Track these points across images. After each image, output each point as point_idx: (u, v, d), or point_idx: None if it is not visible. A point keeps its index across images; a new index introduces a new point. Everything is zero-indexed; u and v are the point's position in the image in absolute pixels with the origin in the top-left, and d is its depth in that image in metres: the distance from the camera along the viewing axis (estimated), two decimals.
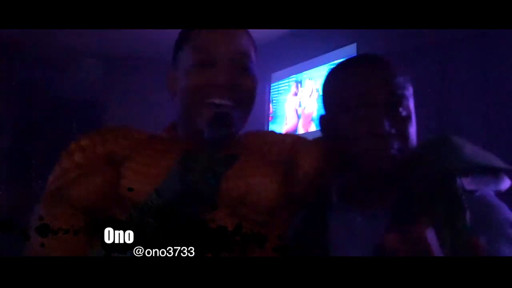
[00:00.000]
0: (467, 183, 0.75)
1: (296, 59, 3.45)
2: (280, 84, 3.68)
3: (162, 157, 0.84)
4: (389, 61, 0.88)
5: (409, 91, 0.86)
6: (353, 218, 0.88)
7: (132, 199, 0.78)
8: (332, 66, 0.95)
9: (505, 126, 1.98)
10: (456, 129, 2.04)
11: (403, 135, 0.83)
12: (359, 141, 0.84)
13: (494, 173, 0.78)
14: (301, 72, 3.45)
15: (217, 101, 0.84)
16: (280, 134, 1.03)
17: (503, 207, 0.80)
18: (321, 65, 3.21)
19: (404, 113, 0.84)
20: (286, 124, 3.55)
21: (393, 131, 0.82)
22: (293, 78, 3.54)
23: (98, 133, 0.88)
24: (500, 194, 0.81)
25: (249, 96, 0.89)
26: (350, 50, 2.87)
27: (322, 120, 0.94)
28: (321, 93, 0.95)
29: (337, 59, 2.87)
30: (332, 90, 0.91)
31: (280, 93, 3.67)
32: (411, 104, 0.86)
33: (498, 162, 0.78)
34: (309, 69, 3.37)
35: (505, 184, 0.79)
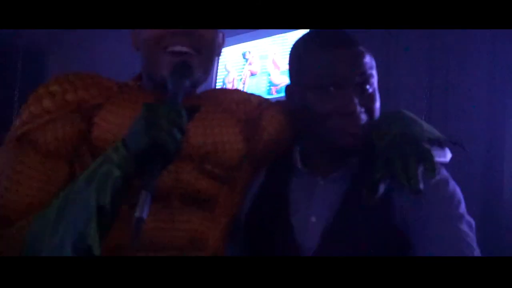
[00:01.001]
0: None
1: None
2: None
3: (133, 106, 0.85)
4: (356, 39, 0.91)
5: (374, 69, 0.91)
6: (315, 182, 0.92)
7: (104, 147, 0.78)
8: (299, 37, 0.96)
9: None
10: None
11: (369, 112, 0.89)
12: (327, 118, 0.88)
13: (440, 145, 0.87)
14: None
15: (177, 48, 0.85)
16: (247, 93, 1.06)
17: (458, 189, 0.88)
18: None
19: (370, 90, 0.89)
20: None
21: (361, 109, 0.87)
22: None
23: (67, 79, 0.87)
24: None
25: (209, 44, 0.90)
26: None
27: (288, 90, 0.96)
28: (287, 62, 0.97)
29: None
30: (299, 65, 0.93)
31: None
32: (375, 80, 0.90)
33: (442, 136, 0.87)
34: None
35: (448, 156, 0.88)
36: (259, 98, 1.02)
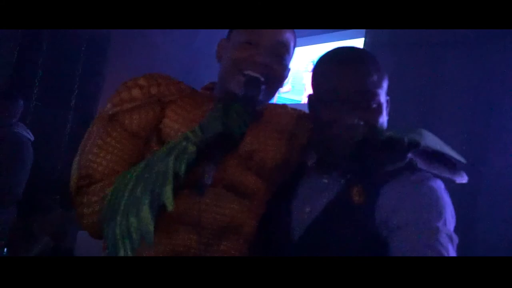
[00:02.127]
0: (420, 160, 0.94)
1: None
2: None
3: (199, 107, 1.06)
4: (367, 57, 0.98)
5: (380, 87, 0.96)
6: (321, 179, 1.01)
7: (170, 134, 1.00)
8: (322, 54, 1.04)
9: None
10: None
11: (371, 125, 0.94)
12: (329, 127, 0.96)
13: (452, 164, 0.92)
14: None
15: (251, 73, 1.01)
16: (289, 107, 1.21)
17: (447, 203, 0.89)
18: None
19: (374, 106, 0.94)
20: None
21: (359, 122, 0.93)
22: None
23: (153, 76, 1.07)
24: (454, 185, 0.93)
25: (278, 80, 1.07)
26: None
27: (309, 99, 1.05)
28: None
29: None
30: (315, 79, 1.03)
31: None
32: (382, 97, 0.96)
33: (458, 156, 0.91)
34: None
35: (460, 178, 0.93)
36: (296, 111, 1.18)
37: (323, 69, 1.00)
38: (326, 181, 1.01)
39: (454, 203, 0.91)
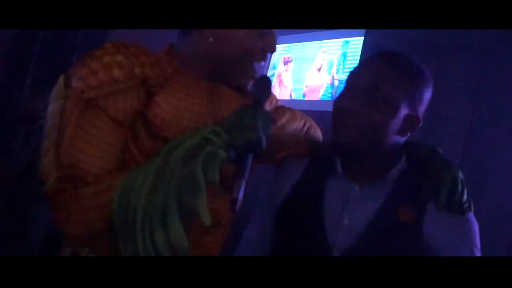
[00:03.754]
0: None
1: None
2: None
3: (187, 91, 0.93)
4: (405, 63, 0.99)
5: (407, 96, 0.96)
6: (351, 187, 1.00)
7: (162, 127, 0.89)
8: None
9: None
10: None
11: (370, 120, 0.95)
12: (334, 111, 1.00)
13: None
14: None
15: (262, 63, 0.97)
16: (295, 111, 1.16)
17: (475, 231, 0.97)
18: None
19: (378, 103, 0.94)
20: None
21: (357, 111, 0.95)
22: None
23: (130, 51, 0.89)
24: None
25: None
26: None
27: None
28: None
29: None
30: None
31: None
32: (392, 98, 0.95)
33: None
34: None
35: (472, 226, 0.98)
36: (303, 116, 1.16)
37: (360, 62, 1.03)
38: (357, 188, 1.00)
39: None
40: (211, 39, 0.93)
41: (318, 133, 1.18)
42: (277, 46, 0.97)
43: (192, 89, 0.94)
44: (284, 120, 1.08)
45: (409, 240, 0.93)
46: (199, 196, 0.79)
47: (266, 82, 0.95)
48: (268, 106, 1.08)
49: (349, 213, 0.97)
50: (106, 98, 0.85)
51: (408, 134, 1.00)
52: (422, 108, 0.99)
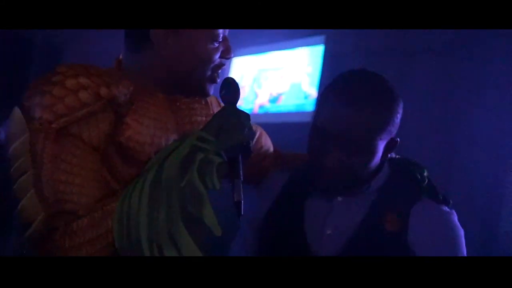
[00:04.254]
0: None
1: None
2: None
3: (155, 110, 0.91)
4: (370, 91, 0.94)
5: (380, 128, 0.92)
6: (333, 197, 1.00)
7: (136, 149, 0.86)
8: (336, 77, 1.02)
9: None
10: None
11: (348, 161, 0.93)
12: (310, 154, 0.99)
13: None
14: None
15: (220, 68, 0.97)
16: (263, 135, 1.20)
17: (459, 234, 0.99)
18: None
19: (353, 146, 0.91)
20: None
21: (335, 157, 0.93)
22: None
23: (90, 72, 0.85)
24: None
25: None
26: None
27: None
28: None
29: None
30: (317, 102, 1.04)
31: None
32: (376, 140, 0.93)
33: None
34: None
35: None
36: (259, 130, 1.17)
37: (325, 94, 0.98)
38: (340, 199, 0.99)
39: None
40: (167, 54, 0.90)
41: (269, 142, 1.20)
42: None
43: (155, 105, 0.91)
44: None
45: (394, 248, 0.94)
46: (203, 207, 0.78)
47: (232, 83, 0.93)
48: None
49: (332, 223, 0.97)
50: (78, 124, 0.81)
51: (389, 155, 1.01)
52: (396, 128, 0.97)
